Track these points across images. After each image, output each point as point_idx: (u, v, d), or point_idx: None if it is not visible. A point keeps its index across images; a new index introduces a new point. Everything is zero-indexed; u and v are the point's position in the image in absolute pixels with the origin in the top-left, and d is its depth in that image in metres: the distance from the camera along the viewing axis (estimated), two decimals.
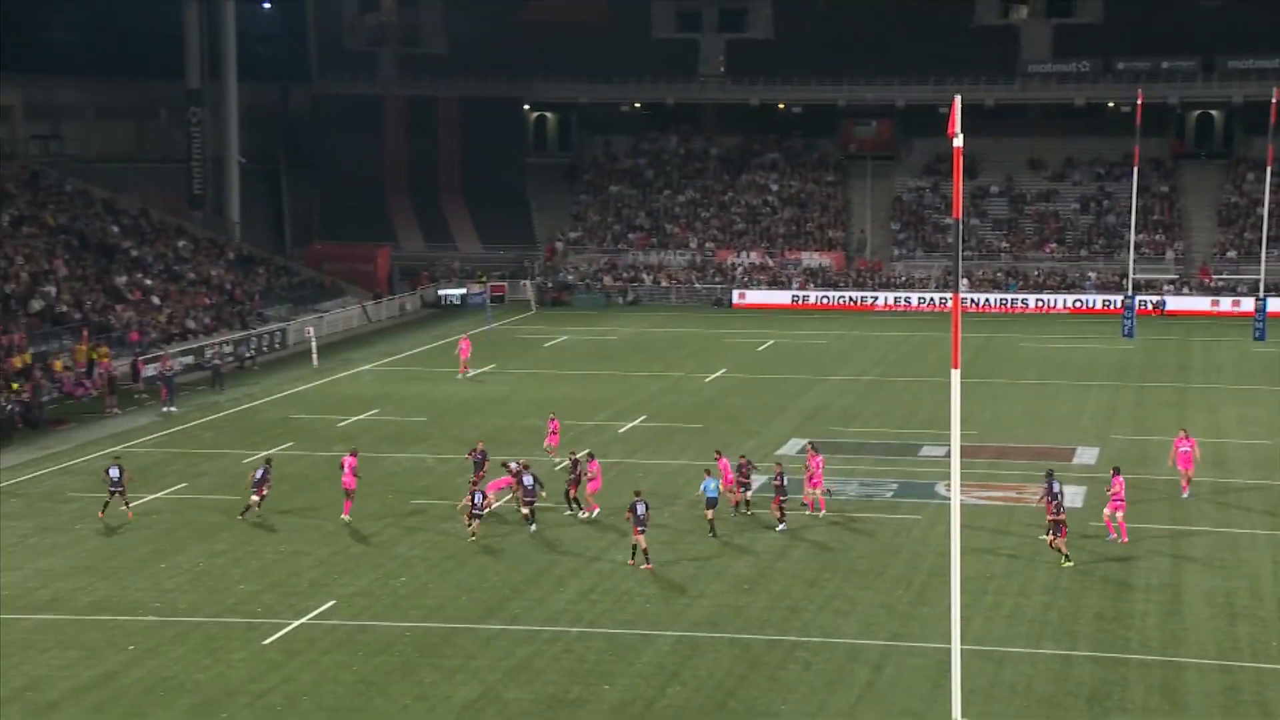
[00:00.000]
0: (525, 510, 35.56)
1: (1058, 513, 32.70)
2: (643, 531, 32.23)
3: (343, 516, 36.35)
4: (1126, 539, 34.06)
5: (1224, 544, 34.38)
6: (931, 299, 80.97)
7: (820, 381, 57.61)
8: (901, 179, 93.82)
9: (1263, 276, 71.47)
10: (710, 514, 34.99)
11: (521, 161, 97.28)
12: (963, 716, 22.82)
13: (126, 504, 36.76)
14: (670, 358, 63.76)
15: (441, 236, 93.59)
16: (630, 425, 48.11)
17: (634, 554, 32.60)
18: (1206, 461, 39.96)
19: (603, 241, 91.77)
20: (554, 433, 42.30)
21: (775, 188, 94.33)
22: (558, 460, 40.75)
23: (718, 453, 38.34)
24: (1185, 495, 38.03)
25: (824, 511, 36.70)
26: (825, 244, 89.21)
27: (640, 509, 32.22)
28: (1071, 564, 32.27)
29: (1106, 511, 34.28)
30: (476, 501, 34.43)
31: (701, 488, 35.42)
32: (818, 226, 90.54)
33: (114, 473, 36.70)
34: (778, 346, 67.39)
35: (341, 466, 36.63)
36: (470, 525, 34.45)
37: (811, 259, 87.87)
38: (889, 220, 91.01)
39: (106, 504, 36.64)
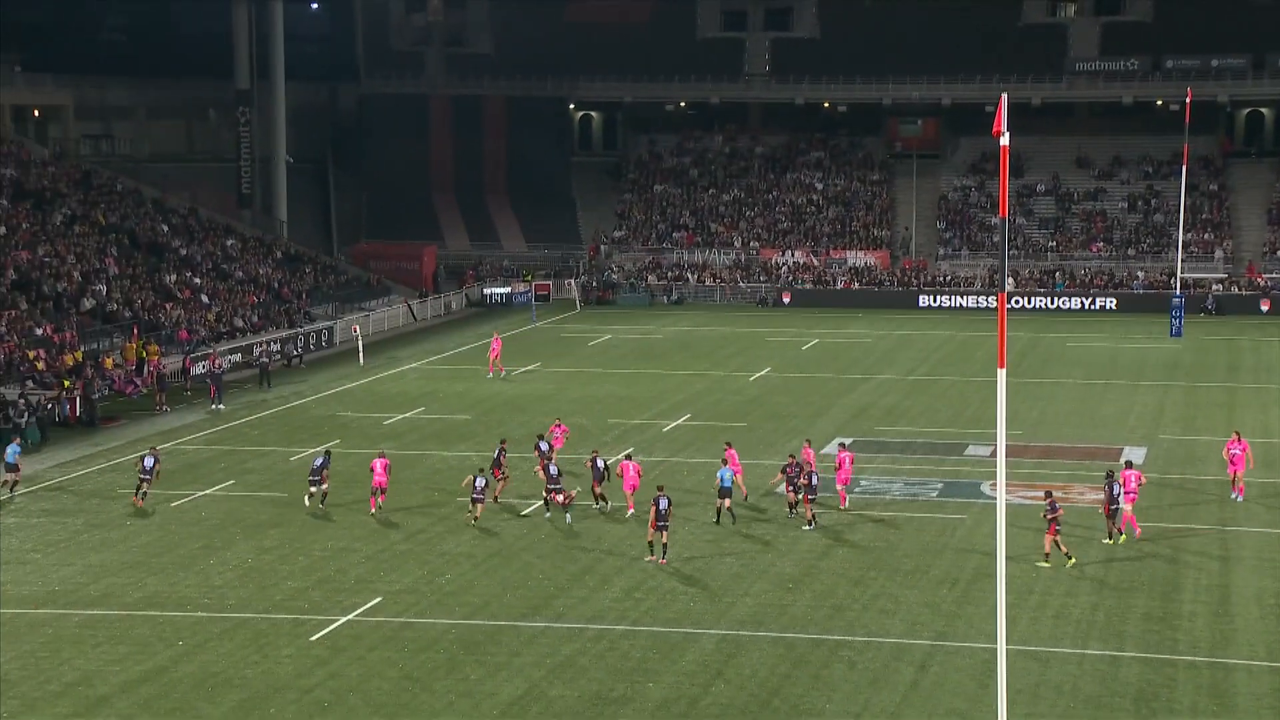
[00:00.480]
0: (550, 499, 36.15)
1: (1113, 502, 33.06)
2: (663, 527, 32.28)
3: (370, 511, 36.81)
4: (1140, 532, 34.17)
5: (1274, 545, 34.06)
6: (977, 299, 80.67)
7: (865, 380, 57.44)
8: (947, 178, 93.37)
9: None
10: (724, 503, 35.51)
11: (566, 161, 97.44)
12: (1008, 717, 22.71)
13: (142, 494, 37.63)
14: (714, 356, 63.72)
15: (487, 235, 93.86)
16: (674, 424, 48.14)
17: (651, 549, 32.54)
18: (1257, 462, 39.59)
19: (647, 240, 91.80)
20: (559, 436, 41.12)
21: (820, 186, 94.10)
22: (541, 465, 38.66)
23: (727, 444, 38.73)
24: (1236, 497, 37.71)
25: (844, 506, 36.61)
26: (870, 243, 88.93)
27: (663, 504, 32.28)
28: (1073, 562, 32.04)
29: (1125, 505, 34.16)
30: (477, 486, 35.39)
31: (718, 476, 35.89)
32: (863, 225, 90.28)
33: (148, 461, 38.00)
34: (822, 345, 67.24)
35: (372, 469, 36.98)
36: (472, 509, 35.40)
37: (857, 258, 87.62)
38: (934, 219, 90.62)
39: (139, 490, 37.70)
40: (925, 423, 48.81)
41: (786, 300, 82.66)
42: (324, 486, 37.30)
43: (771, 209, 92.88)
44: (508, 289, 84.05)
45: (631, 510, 37.45)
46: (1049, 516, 32.07)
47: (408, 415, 50.18)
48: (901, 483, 39.95)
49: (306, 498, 37.53)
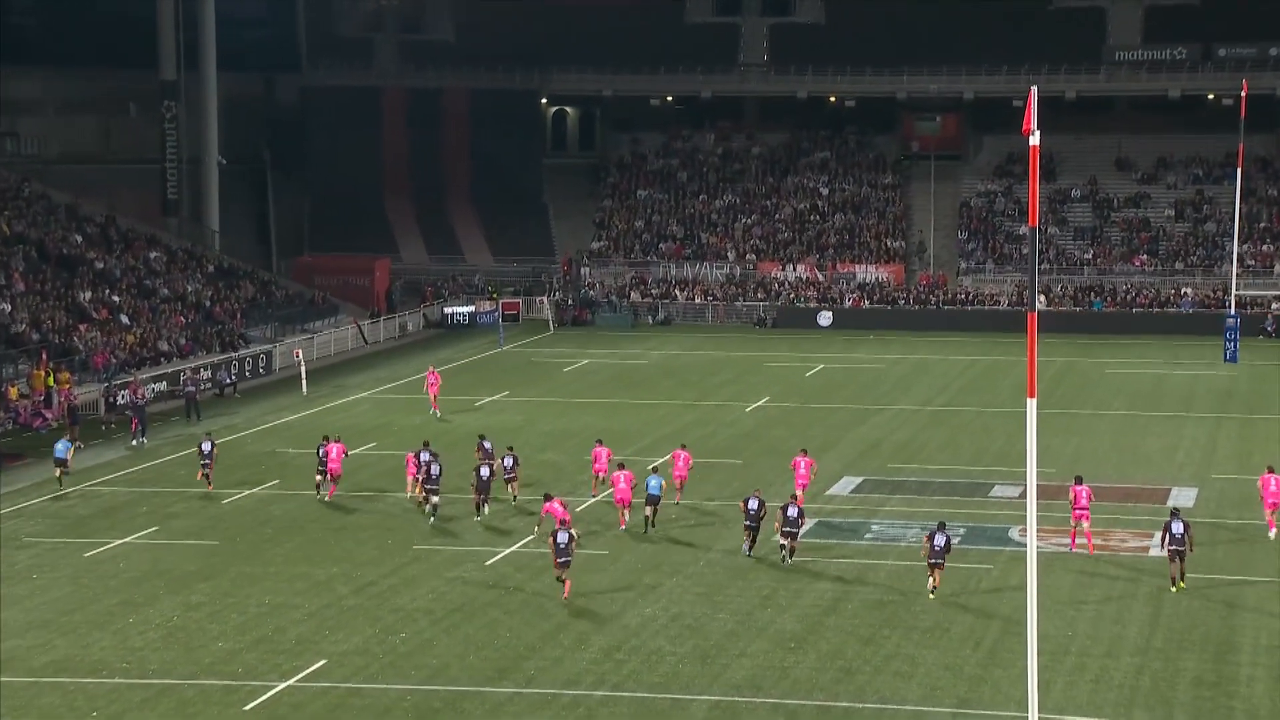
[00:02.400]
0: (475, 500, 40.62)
1: (1179, 545, 34.17)
2: (564, 564, 33.60)
3: (326, 498, 42.31)
4: (1093, 550, 37.01)
5: None
6: (1002, 320, 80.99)
7: (877, 411, 57.52)
8: (969, 182, 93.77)
9: None
10: (649, 510, 38.92)
11: (538, 162, 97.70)
12: None
13: (208, 478, 44.40)
14: (706, 384, 63.79)
15: (447, 247, 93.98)
16: (661, 460, 48.13)
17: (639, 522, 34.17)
18: None
19: (630, 252, 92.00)
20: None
21: (825, 191, 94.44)
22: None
23: (683, 446, 42.78)
24: (1272, 534, 38.65)
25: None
26: (883, 255, 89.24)
27: (562, 539, 33.48)
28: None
29: (1071, 522, 37.14)
30: (434, 474, 40.57)
31: (645, 484, 39.21)
32: (874, 236, 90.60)
33: (205, 446, 44.87)
34: (828, 372, 67.38)
35: (329, 453, 42.93)
36: (424, 500, 40.42)
37: (867, 273, 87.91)
38: (955, 229, 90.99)
39: (205, 476, 44.40)
40: (945, 460, 48.87)
41: (827, 322, 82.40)
42: (339, 472, 43.41)
43: (770, 217, 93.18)
44: (471, 308, 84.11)
45: (624, 526, 39.13)
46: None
47: (357, 451, 50.08)
48: (918, 527, 39.92)
49: (317, 489, 43.32)
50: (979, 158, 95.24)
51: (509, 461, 42.66)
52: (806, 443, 50.16)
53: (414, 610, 33.54)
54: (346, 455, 44.28)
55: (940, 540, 34.08)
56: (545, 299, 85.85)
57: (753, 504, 37.17)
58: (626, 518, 39.93)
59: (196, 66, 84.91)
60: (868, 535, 39.42)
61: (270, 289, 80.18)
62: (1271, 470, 39.51)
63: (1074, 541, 37.42)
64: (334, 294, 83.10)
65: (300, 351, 65.95)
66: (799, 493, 39.38)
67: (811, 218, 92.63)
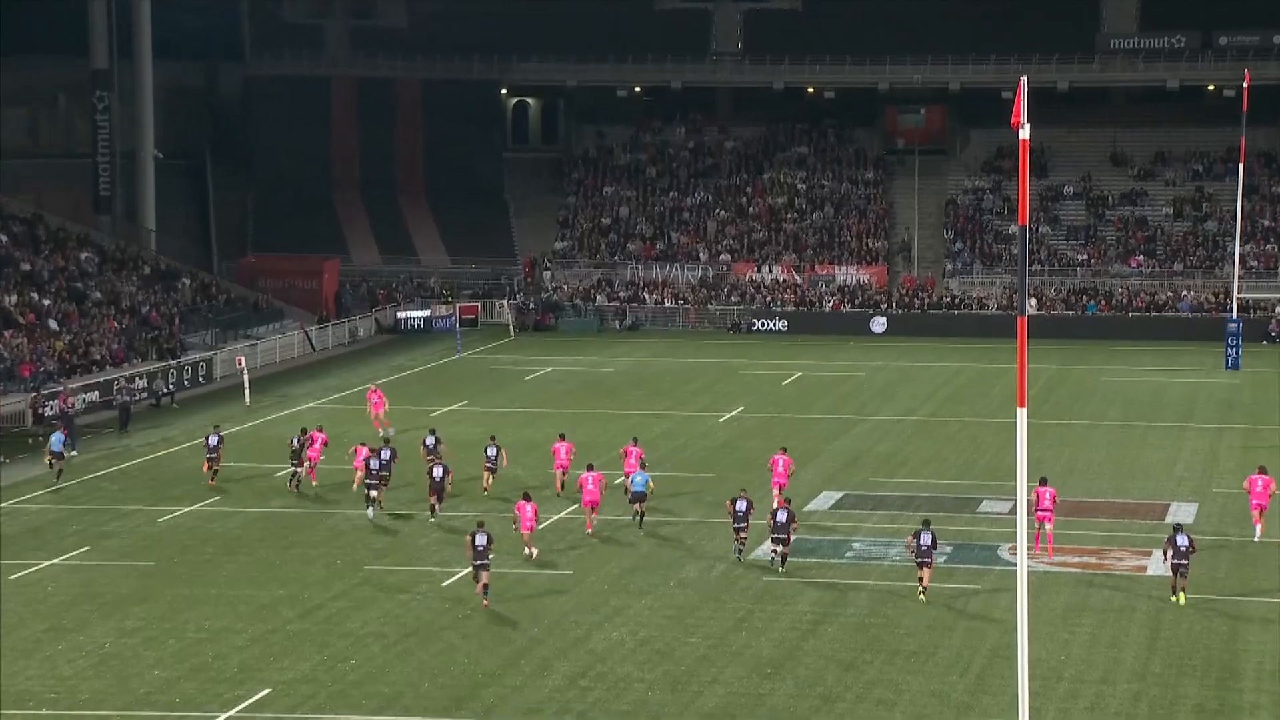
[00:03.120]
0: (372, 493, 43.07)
1: (1183, 559, 34.87)
2: (482, 567, 34.87)
3: (313, 482, 46.34)
4: (1053, 556, 38.09)
5: None
6: (990, 324, 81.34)
7: (859, 422, 57.66)
8: (956, 178, 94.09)
9: None
10: (638, 508, 41.37)
11: (498, 157, 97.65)
12: None
13: (213, 473, 47.09)
14: (677, 394, 63.82)
15: (401, 247, 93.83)
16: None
17: (482, 590, 34.82)
18: None
19: (596, 253, 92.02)
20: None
21: (803, 188, 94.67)
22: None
23: (634, 440, 45.03)
24: (1257, 536, 40.06)
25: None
26: (864, 256, 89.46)
27: (480, 541, 34.85)
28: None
29: (1036, 525, 38.21)
30: (373, 468, 43.17)
31: (630, 480, 41.48)
32: (855, 236, 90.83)
33: (213, 440, 47.49)
34: (807, 380, 67.49)
35: (312, 441, 46.58)
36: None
37: (847, 274, 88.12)
38: (941, 228, 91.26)
39: (211, 471, 47.05)
40: (930, 473, 49.01)
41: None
42: (314, 460, 46.44)
43: (745, 215, 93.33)
44: (426, 312, 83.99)
45: (590, 530, 40.42)
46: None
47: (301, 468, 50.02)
48: (902, 546, 40.05)
49: (292, 478, 46.42)
50: (966, 152, 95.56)
51: (492, 452, 45.60)
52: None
53: (365, 635, 33.43)
54: (326, 445, 47.76)
55: (926, 538, 35.42)
56: (505, 303, 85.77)
57: (741, 505, 38.13)
58: (594, 521, 41.02)
59: (131, 54, 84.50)
60: (848, 554, 39.47)
61: (211, 292, 79.91)
62: (1262, 470, 40.41)
63: (1037, 544, 38.38)
64: (279, 297, 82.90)
65: (243, 359, 65.74)
66: (775, 491, 41.52)
67: (788, 216, 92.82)
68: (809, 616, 34.55)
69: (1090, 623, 33.92)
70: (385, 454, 43.75)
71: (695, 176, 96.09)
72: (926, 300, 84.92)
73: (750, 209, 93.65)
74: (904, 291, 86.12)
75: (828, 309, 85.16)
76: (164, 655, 32.22)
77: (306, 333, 77.52)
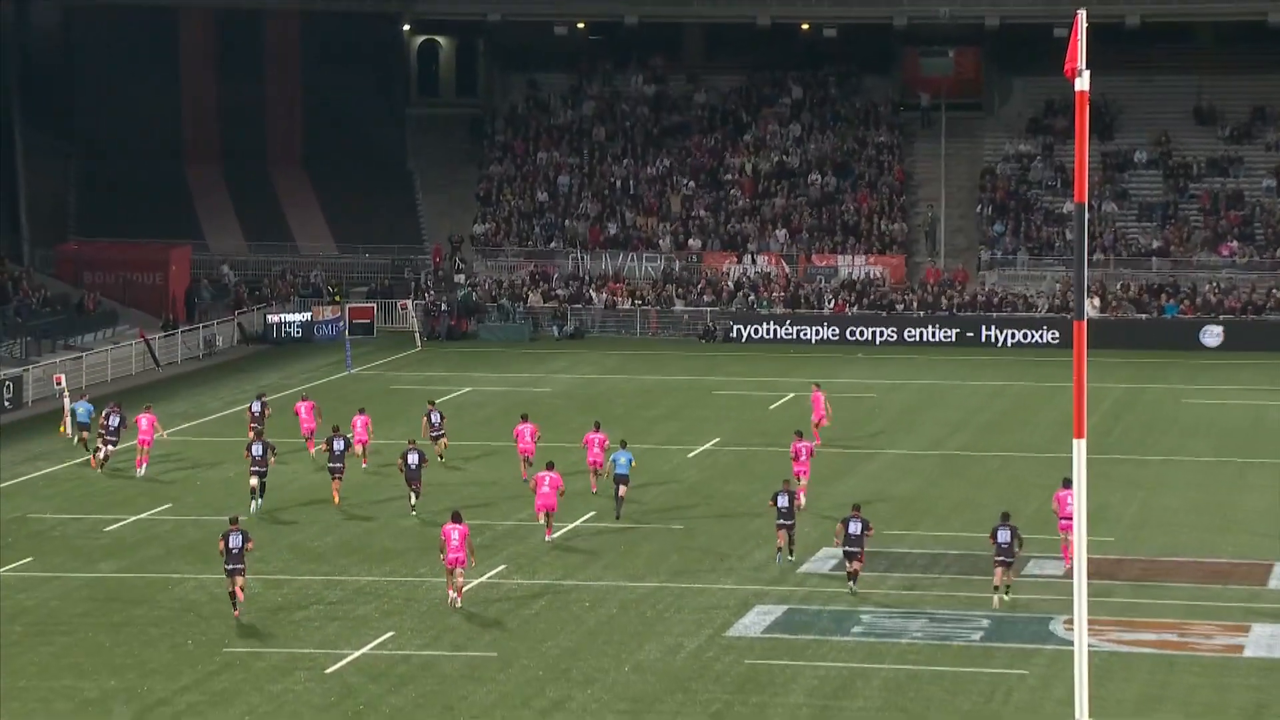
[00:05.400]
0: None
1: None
2: (235, 570, 39.58)
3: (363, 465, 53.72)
4: (1069, 565, 39.51)
5: None
6: (1041, 329, 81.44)
7: (869, 457, 57.63)
8: (994, 141, 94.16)
9: None
10: (622, 491, 48.09)
11: (399, 114, 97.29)
12: None
13: (102, 453, 54.10)
14: (633, 421, 63.53)
15: (272, 230, 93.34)
16: (570, 527, 47.98)
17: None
18: None
19: (527, 238, 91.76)
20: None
21: (797, 152, 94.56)
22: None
23: (596, 425, 51.21)
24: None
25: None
26: (875, 242, 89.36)
27: (235, 542, 39.48)
28: None
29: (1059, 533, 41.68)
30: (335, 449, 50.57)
31: (611, 460, 46.22)
32: (864, 215, 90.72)
33: (255, 407, 56.50)
34: (802, 402, 67.28)
35: (297, 412, 55.64)
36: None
37: (853, 266, 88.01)
38: (975, 205, 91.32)
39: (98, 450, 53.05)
40: (962, 524, 48.96)
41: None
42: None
43: (720, 188, 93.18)
44: (306, 315, 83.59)
45: (550, 536, 45.73)
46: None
47: (144, 516, 49.69)
48: (926, 618, 39.99)
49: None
50: (1007, 108, 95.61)
51: (436, 418, 55.67)
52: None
53: None
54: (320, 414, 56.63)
55: (856, 526, 41.05)
56: (409, 303, 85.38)
57: (783, 500, 42.86)
58: (597, 481, 49.75)
59: None
60: (856, 629, 39.40)
61: (21, 289, 79.40)
62: (1066, 484, 42.17)
63: (1066, 556, 41.03)
64: (111, 295, 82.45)
65: (64, 377, 65.26)
66: (800, 483, 47.43)
67: (777, 190, 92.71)
68: (805, 712, 34.45)
69: (1166, 718, 33.84)
70: (339, 444, 50.96)
71: (658, 137, 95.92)
72: (956, 299, 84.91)
73: (727, 180, 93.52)
74: (927, 288, 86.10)
75: (827, 310, 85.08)
76: None
77: (148, 342, 76.98)
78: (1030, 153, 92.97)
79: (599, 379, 73.26)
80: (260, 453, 50.00)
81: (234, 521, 40.24)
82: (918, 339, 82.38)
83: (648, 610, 40.82)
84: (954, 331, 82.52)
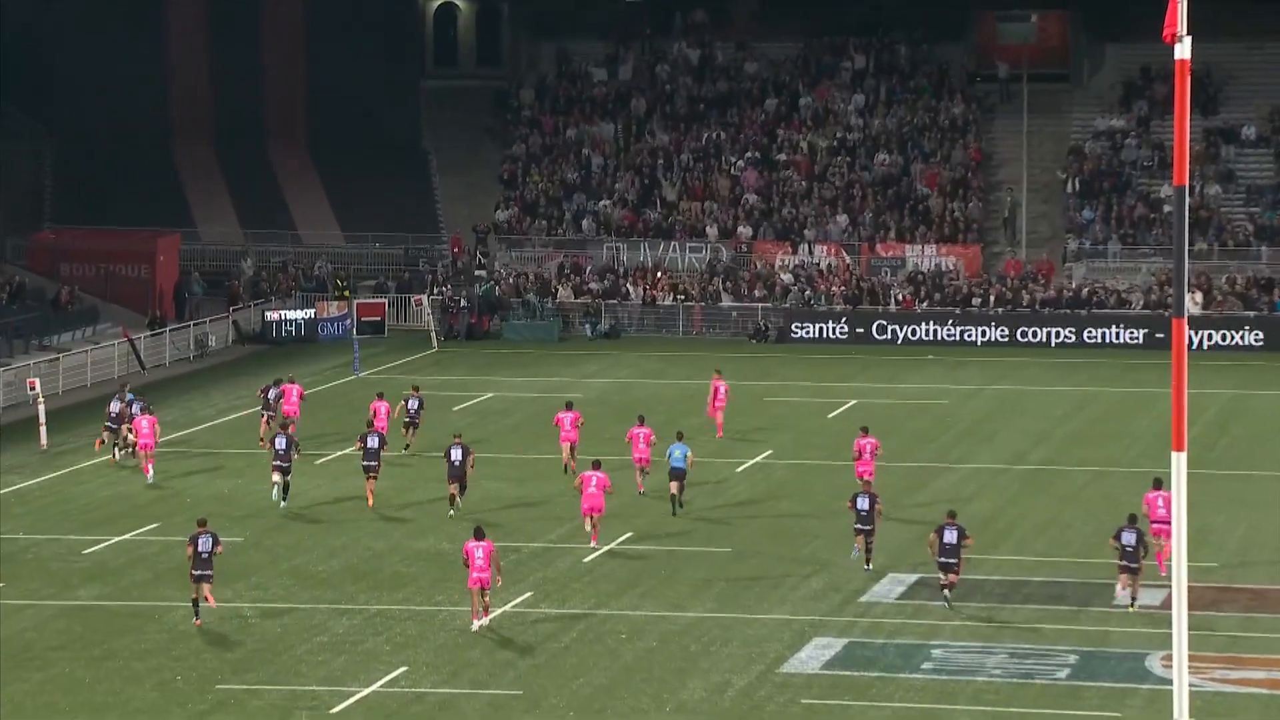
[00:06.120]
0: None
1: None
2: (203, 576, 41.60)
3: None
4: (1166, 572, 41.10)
5: None
6: (1135, 328, 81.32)
7: (940, 473, 57.65)
8: (1083, 115, 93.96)
9: None
10: (675, 488, 50.90)
11: (413, 87, 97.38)
12: None
13: (115, 445, 57.48)
14: (675, 430, 63.52)
15: (272, 218, 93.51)
16: (604, 550, 48.04)
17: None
18: None
19: (556, 226, 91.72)
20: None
21: (859, 126, 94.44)
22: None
23: (640, 419, 54.31)
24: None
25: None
26: (947, 230, 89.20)
27: (205, 545, 41.43)
28: None
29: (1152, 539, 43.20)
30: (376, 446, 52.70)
31: (666, 454, 46.82)
32: (936, 200, 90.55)
33: (272, 393, 59.99)
34: (864, 411, 67.21)
35: (285, 395, 59.21)
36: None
37: (923, 256, 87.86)
38: (1061, 189, 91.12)
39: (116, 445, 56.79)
40: (1045, 547, 48.97)
41: None
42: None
43: (774, 169, 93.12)
44: (309, 312, 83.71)
45: (595, 542, 47.59)
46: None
47: (127, 537, 49.83)
48: (1005, 653, 39.96)
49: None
50: (1098, 78, 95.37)
51: (414, 404, 59.52)
52: (832, 524, 50.22)
53: None
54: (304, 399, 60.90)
55: (864, 502, 43.68)
56: (425, 299, 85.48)
57: (862, 503, 43.99)
58: (598, 529, 47.97)
59: None
60: (925, 666, 39.35)
61: None
62: (1157, 485, 44.18)
63: (1160, 562, 43.05)
64: (92, 290, 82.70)
65: (38, 381, 65.45)
66: (862, 484, 47.36)
67: (836, 171, 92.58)
68: None
69: None
70: (373, 441, 53.22)
71: (702, 112, 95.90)
72: (1039, 294, 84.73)
73: (781, 160, 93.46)
74: (1006, 282, 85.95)
75: (894, 307, 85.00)
76: None
77: (132, 342, 77.11)
78: (1123, 129, 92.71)
79: (636, 383, 73.29)
80: (284, 446, 52.32)
81: (202, 524, 42.04)
82: (995, 339, 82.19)
83: (691, 643, 40.79)
84: (1037, 331, 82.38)
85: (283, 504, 52.44)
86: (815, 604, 43.39)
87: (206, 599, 41.35)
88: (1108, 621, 42.26)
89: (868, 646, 40.32)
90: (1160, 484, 43.66)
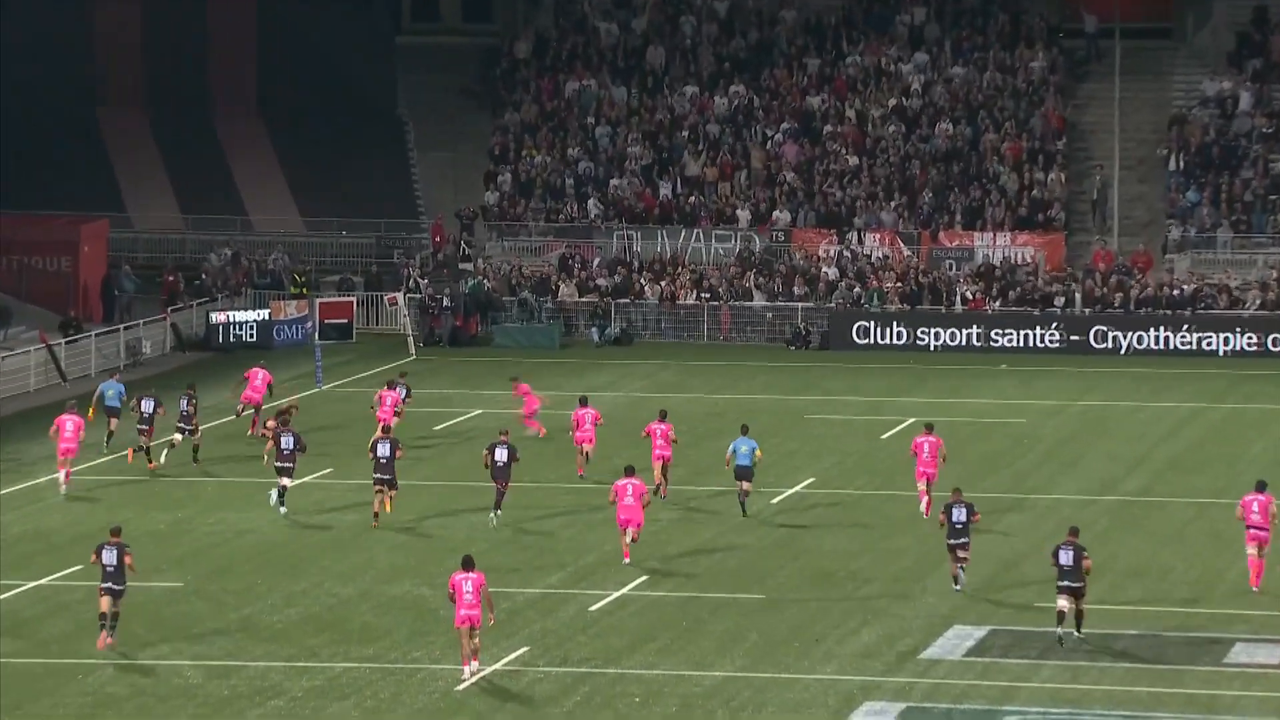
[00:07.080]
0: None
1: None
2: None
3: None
4: (1258, 585, 44.59)
5: None
6: (1250, 332, 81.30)
7: (1015, 504, 57.68)
8: (1187, 78, 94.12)
9: None
10: (744, 486, 53.92)
11: (387, 45, 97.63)
12: None
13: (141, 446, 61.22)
14: (699, 455, 63.63)
15: (217, 200, 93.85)
16: (614, 597, 48.05)
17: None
18: None
19: (558, 209, 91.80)
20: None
21: (918, 89, 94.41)
22: None
23: (662, 414, 52.93)
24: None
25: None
26: (1024, 214, 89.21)
27: (108, 558, 42.90)
28: None
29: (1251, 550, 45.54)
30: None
31: (731, 450, 50.56)
32: (1010, 178, 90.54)
33: (146, 405, 61.90)
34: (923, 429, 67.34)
35: (250, 379, 64.20)
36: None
37: (995, 246, 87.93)
38: (1162, 164, 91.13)
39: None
40: (1142, 593, 48.99)
41: None
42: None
43: (817, 141, 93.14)
44: (262, 313, 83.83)
45: (628, 559, 49.80)
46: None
47: (44, 582, 49.94)
48: (1091, 716, 39.95)
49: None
50: (1203, 35, 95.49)
51: (401, 391, 63.58)
52: (884, 565, 50.29)
53: None
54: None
55: (959, 514, 44.05)
56: (400, 298, 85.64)
57: (958, 514, 44.90)
58: (631, 547, 49.94)
59: None
60: None
61: None
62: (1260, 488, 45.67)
63: (1255, 577, 44.33)
64: (3, 287, 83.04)
65: None
66: (921, 486, 52.05)
67: (891, 142, 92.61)
68: None
69: None
70: (383, 449, 54.71)
71: (729, 71, 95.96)
72: (1134, 291, 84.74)
73: (825, 130, 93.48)
74: (1095, 276, 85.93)
75: (960, 307, 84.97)
76: None
77: (51, 349, 77.30)
78: (1235, 93, 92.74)
79: (652, 398, 73.28)
80: (290, 445, 55.42)
81: (115, 533, 44.03)
82: (1083, 346, 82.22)
83: (718, 708, 40.75)
84: (1131, 335, 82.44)
85: (282, 509, 55.10)
86: (866, 662, 43.30)
87: (119, 613, 43.00)
88: (1215, 682, 42.16)
89: (929, 713, 40.26)
90: (1264, 487, 44.53)
